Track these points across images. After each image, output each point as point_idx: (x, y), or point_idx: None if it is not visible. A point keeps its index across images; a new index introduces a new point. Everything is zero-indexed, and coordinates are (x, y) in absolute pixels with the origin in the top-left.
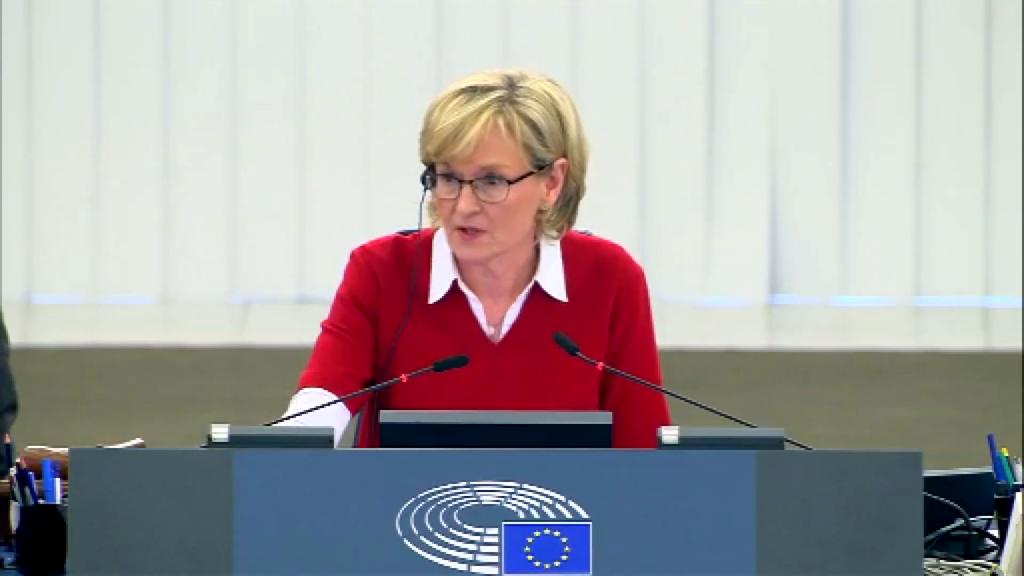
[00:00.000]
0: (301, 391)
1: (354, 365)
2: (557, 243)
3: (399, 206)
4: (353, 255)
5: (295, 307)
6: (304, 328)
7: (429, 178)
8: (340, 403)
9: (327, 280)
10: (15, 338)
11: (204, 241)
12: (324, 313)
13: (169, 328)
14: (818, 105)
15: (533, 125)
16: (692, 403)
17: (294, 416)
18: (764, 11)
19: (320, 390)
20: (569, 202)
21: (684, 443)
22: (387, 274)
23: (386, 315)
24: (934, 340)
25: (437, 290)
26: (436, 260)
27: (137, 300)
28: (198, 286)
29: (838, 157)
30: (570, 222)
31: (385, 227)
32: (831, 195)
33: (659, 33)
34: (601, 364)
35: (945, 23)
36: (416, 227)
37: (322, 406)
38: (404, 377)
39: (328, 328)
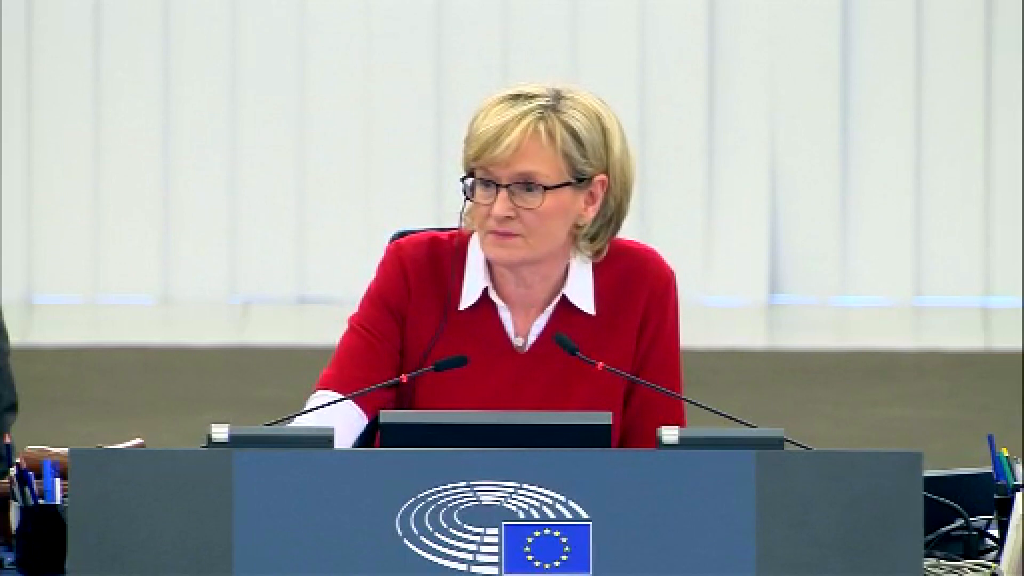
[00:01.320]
0: (317, 393)
1: (375, 370)
2: (590, 261)
3: (399, 206)
4: (388, 250)
5: (295, 307)
6: (304, 328)
7: (468, 185)
8: (356, 409)
9: (327, 280)
10: (15, 338)
11: (204, 241)
12: (324, 313)
13: (169, 328)
14: (818, 105)
15: (575, 135)
16: (692, 403)
17: (309, 411)
18: (764, 11)
19: (335, 395)
20: (609, 223)
21: (684, 443)
22: (419, 274)
23: (414, 316)
24: (934, 340)
25: (468, 297)
26: (470, 266)
27: (137, 300)
28: (198, 286)
29: (838, 157)
30: (609, 239)
31: (385, 227)
32: (831, 195)
33: (659, 33)
34: (601, 364)
35: (945, 24)
36: (454, 226)
37: (330, 403)
38: (404, 377)
39: (354, 327)
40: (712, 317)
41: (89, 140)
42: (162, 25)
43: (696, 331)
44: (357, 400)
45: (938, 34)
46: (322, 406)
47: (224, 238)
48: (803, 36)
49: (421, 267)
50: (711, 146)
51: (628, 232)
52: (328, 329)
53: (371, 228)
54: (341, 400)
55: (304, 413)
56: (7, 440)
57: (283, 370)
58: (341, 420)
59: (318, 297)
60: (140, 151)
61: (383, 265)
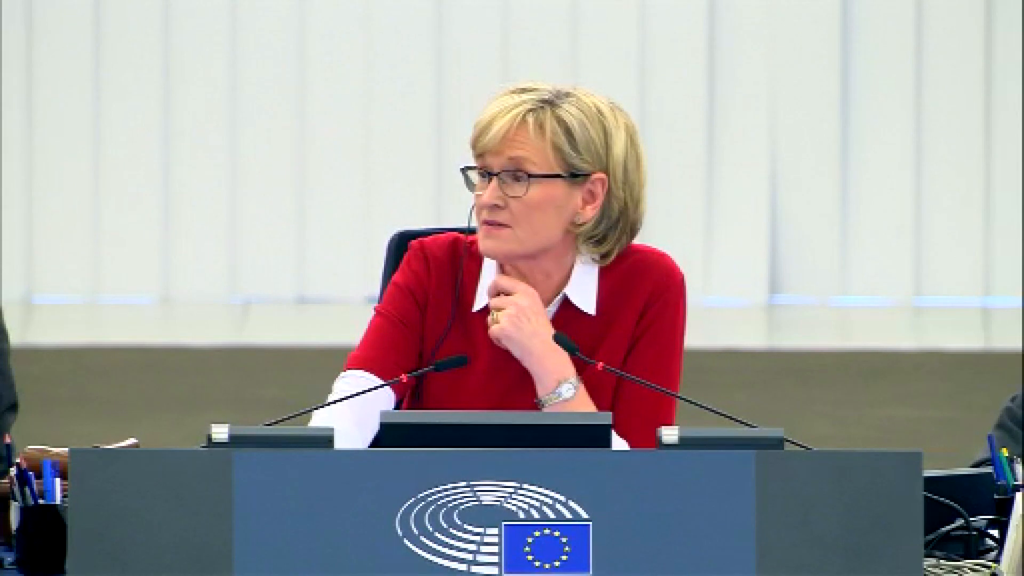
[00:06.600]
0: (346, 373)
1: (402, 354)
2: (595, 264)
3: (399, 206)
4: (412, 247)
5: (295, 307)
6: (304, 328)
7: (468, 177)
8: (387, 387)
9: (327, 280)
10: (15, 338)
11: (204, 241)
12: (324, 313)
13: (169, 328)
14: (818, 105)
15: (567, 129)
16: (692, 403)
17: (343, 399)
18: (764, 11)
19: (365, 373)
20: (616, 224)
21: (684, 443)
22: (440, 272)
23: (432, 312)
24: (934, 340)
25: (480, 300)
26: (485, 269)
27: (137, 300)
28: (198, 286)
29: (838, 157)
30: (620, 245)
31: (385, 227)
32: (831, 195)
33: (659, 33)
34: (601, 364)
35: (945, 23)
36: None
37: (375, 388)
38: (404, 377)
39: (382, 313)
40: (712, 317)
41: (89, 140)
42: (162, 25)
43: (696, 331)
44: (386, 379)
45: (938, 34)
46: (368, 390)
47: (224, 238)
48: (803, 36)
49: (442, 266)
50: (711, 146)
51: None
52: (328, 329)
53: (371, 228)
54: (382, 386)
55: (352, 397)
56: (7, 440)
57: (283, 370)
58: (376, 401)
59: (318, 297)
60: (140, 151)
61: (409, 259)
